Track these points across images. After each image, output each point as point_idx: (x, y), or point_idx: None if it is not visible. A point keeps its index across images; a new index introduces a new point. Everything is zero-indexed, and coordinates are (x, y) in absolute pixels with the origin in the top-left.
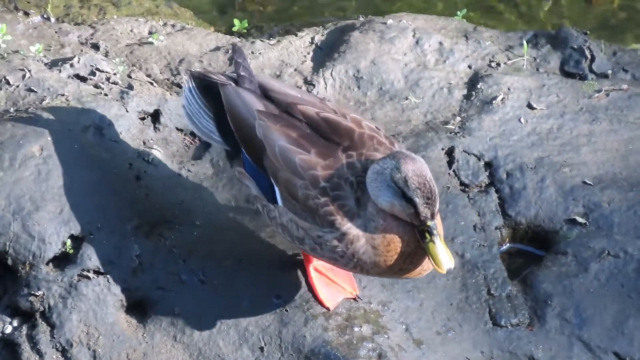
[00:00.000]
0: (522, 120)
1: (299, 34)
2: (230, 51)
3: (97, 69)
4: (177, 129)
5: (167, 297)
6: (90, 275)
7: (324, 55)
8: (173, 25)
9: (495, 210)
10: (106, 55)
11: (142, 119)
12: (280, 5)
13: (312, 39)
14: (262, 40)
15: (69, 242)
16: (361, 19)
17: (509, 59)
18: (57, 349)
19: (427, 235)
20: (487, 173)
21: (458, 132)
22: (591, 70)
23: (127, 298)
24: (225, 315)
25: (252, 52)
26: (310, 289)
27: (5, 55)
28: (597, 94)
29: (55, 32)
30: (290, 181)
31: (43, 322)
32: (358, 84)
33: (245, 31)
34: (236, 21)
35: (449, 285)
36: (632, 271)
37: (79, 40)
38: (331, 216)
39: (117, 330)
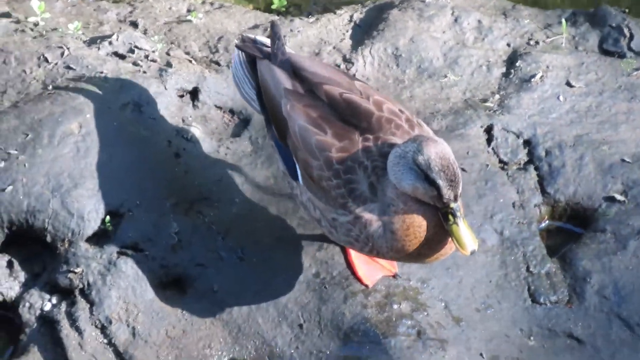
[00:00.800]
0: (561, 98)
1: (338, 12)
2: (268, 29)
3: (136, 47)
4: (216, 106)
5: (206, 274)
6: (129, 252)
7: (363, 33)
8: (211, 3)
9: (534, 187)
10: (145, 33)
11: (181, 96)
12: None
13: (351, 17)
14: (300, 19)
15: (107, 219)
16: None
17: (547, 37)
18: (96, 326)
19: (450, 217)
20: (525, 151)
21: (497, 110)
22: (630, 49)
23: (165, 275)
24: (264, 292)
25: (291, 30)
26: (349, 266)
27: (44, 32)
28: (635, 72)
29: (94, 9)
30: (307, 161)
31: (82, 299)
32: (397, 62)
33: (284, 9)
34: None
35: (488, 263)
36: None
37: (118, 18)
38: (342, 199)
39: (156, 307)
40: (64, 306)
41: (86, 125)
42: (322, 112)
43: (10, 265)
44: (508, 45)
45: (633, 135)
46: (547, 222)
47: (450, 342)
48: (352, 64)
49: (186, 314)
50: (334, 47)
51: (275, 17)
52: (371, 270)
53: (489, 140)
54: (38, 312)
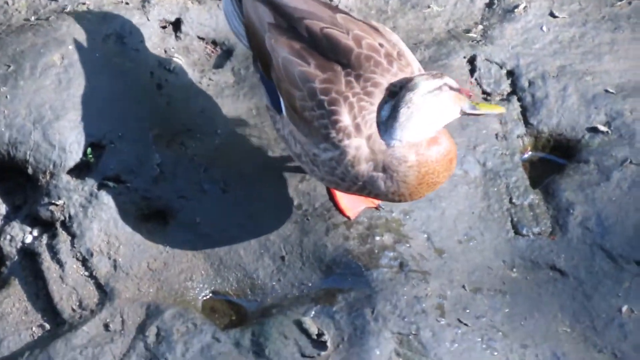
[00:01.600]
0: (544, 28)
1: None
2: None
3: None
4: (199, 37)
5: (188, 206)
6: (111, 184)
7: None
8: None
9: (517, 118)
10: None
11: (164, 27)
12: None
13: None
14: None
15: (89, 151)
16: None
17: None
18: (77, 259)
19: (472, 106)
20: (509, 81)
21: (480, 41)
22: None
23: (147, 207)
24: (246, 225)
25: None
26: (332, 197)
27: None
28: (619, 3)
29: None
30: (290, 92)
31: (63, 232)
32: None
33: None
34: None
35: (470, 194)
36: None
37: None
38: (325, 129)
39: (137, 239)
40: (45, 239)
41: (68, 56)
42: (305, 44)
43: None
44: None
45: (617, 66)
46: (530, 153)
47: (432, 274)
48: None
49: (168, 246)
50: None
51: None
52: (353, 202)
53: (472, 71)
54: (19, 244)
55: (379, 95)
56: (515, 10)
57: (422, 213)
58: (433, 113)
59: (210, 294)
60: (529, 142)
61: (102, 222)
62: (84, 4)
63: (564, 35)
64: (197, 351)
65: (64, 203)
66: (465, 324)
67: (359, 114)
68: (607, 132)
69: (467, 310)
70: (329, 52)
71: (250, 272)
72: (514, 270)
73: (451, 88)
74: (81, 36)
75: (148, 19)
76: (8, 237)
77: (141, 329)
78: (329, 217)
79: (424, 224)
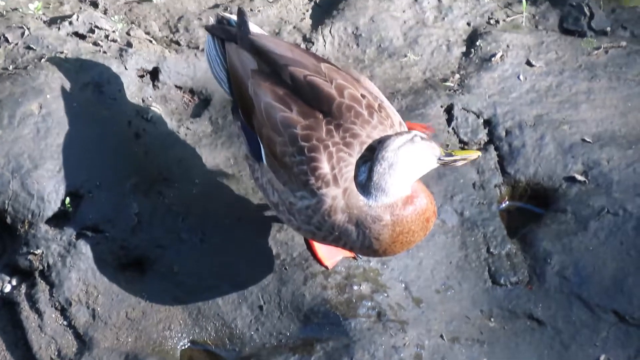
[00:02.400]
0: (521, 77)
1: None
2: (229, 9)
3: (96, 27)
4: (176, 86)
5: (166, 255)
6: (89, 233)
7: (323, 12)
8: None
9: (495, 168)
10: (105, 13)
11: (141, 76)
12: None
13: None
14: None
15: (67, 200)
16: None
17: (507, 16)
18: (56, 308)
19: (448, 153)
20: (486, 131)
21: (457, 90)
22: (590, 28)
23: (125, 256)
24: (224, 273)
25: (251, 10)
26: (309, 247)
27: (4, 13)
28: (596, 51)
29: None
30: (271, 137)
31: (42, 281)
32: (357, 41)
33: None
34: None
35: (448, 244)
36: (631, 229)
37: None
38: (304, 176)
39: (115, 288)
40: (23, 288)
41: (46, 105)
42: (288, 91)
43: None
44: (468, 24)
45: (593, 115)
46: (507, 202)
47: (410, 323)
48: (313, 43)
49: (146, 295)
50: (294, 27)
51: None
52: (331, 251)
53: (449, 120)
54: None
55: (357, 147)
56: (492, 59)
57: (400, 262)
58: (408, 165)
59: (189, 344)
60: (506, 192)
61: (81, 272)
62: (61, 52)
63: (541, 84)
64: None
65: (43, 252)
66: None
67: (337, 165)
68: (584, 181)
69: None
70: (312, 99)
71: (228, 322)
72: (492, 319)
73: (422, 139)
74: (59, 85)
75: (126, 68)
76: None
77: None
78: (307, 267)
79: (402, 273)
